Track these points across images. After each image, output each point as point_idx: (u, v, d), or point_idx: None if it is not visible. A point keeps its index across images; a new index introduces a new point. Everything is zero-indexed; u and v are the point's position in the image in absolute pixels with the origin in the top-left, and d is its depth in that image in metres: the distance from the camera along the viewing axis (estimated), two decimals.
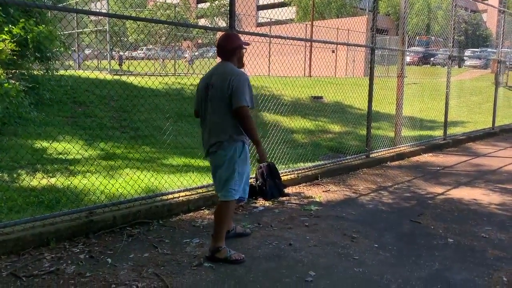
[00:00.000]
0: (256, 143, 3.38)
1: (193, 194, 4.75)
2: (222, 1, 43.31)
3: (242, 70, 3.55)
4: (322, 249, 3.72)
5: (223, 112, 3.35)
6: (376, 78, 7.18)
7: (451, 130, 9.94)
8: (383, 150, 7.68)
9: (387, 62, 20.79)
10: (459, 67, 26.90)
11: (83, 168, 5.49)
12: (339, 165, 6.59)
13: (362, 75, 22.17)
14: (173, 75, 12.67)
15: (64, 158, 5.83)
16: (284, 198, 5.17)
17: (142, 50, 24.05)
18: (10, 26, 6.46)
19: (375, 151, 7.48)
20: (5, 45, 6.16)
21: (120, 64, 16.34)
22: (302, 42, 22.50)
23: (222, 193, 3.47)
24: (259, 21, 40.22)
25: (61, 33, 8.85)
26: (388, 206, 4.99)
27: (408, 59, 11.04)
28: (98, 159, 6.02)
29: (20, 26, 6.48)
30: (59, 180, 4.91)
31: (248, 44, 3.65)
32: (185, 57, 20.59)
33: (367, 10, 36.91)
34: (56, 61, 8.39)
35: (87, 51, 16.08)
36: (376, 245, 3.82)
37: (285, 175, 5.73)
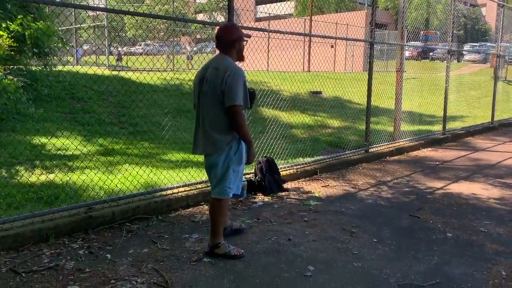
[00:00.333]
0: (248, 143, 3.31)
1: (192, 190, 4.75)
2: None
3: (238, 64, 3.39)
4: (321, 244, 3.72)
5: (216, 108, 3.24)
6: (375, 73, 7.17)
7: (450, 124, 9.94)
8: (382, 145, 7.68)
9: (386, 56, 20.78)
10: (458, 61, 26.87)
11: (82, 164, 5.48)
12: (338, 160, 6.59)
13: (361, 69, 22.12)
14: (171, 70, 12.63)
15: (62, 154, 5.82)
16: (283, 193, 5.17)
17: (141, 45, 23.97)
18: (7, 22, 6.42)
19: (374, 146, 7.48)
20: (3, 41, 6.13)
21: (118, 60, 16.28)
22: (301, 36, 22.47)
23: (216, 190, 3.39)
24: (257, 16, 40.08)
25: (59, 28, 8.81)
26: (387, 200, 5.00)
27: (407, 53, 11.03)
28: (97, 155, 6.01)
29: (18, 22, 6.44)
30: (57, 176, 4.90)
31: (249, 36, 3.48)
32: (184, 52, 20.54)
33: (366, 4, 36.78)
34: (55, 57, 8.34)
35: (85, 47, 16.03)
36: (375, 240, 3.82)
37: (284, 170, 5.73)
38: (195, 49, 23.21)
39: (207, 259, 3.38)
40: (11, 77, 6.00)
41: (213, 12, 42.92)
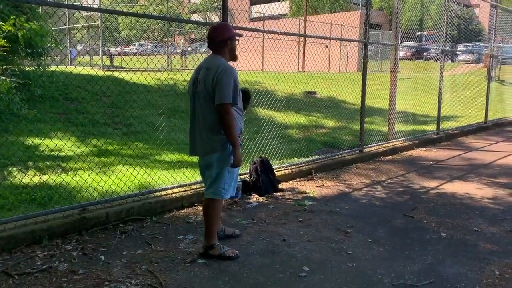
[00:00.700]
0: (233, 144, 3.20)
1: (186, 190, 4.74)
2: None
3: (231, 64, 3.36)
4: (316, 244, 3.72)
5: (210, 108, 3.22)
6: (369, 73, 7.18)
7: (444, 124, 9.99)
8: (377, 145, 7.71)
9: (380, 57, 20.83)
10: (452, 61, 27.00)
11: (76, 165, 5.45)
12: (333, 160, 6.60)
13: (356, 70, 22.19)
14: (165, 70, 12.60)
15: (56, 155, 5.78)
16: (278, 194, 5.17)
17: (135, 45, 23.89)
18: (0, 22, 6.37)
19: (369, 146, 7.50)
20: None
21: (111, 60, 16.23)
22: (295, 37, 22.49)
23: (210, 190, 3.38)
24: (252, 16, 40.07)
25: (52, 28, 8.76)
26: (381, 200, 5.01)
27: (401, 53, 11.06)
28: (90, 156, 5.99)
29: (10, 22, 6.40)
30: (51, 177, 4.87)
31: (240, 35, 3.47)
32: (178, 52, 20.50)
33: (360, 5, 36.89)
34: (48, 57, 8.29)
35: (79, 47, 15.95)
36: (370, 240, 3.83)
37: (279, 171, 5.73)
38: (189, 49, 23.16)
39: (202, 260, 3.37)
40: (3, 78, 5.95)
41: (208, 12, 42.87)
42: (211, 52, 3.40)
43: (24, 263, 3.26)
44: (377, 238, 3.88)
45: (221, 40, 3.33)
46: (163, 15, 16.74)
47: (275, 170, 5.47)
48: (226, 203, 4.72)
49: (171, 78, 9.89)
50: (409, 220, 4.37)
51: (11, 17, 6.30)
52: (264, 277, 3.12)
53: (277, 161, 6.16)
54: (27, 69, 7.83)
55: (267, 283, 3.04)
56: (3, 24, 6.35)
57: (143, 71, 7.68)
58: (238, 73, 3.33)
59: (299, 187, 5.53)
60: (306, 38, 22.03)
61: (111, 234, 3.84)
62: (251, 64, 6.67)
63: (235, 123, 3.21)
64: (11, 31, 6.25)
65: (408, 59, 19.34)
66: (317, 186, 5.56)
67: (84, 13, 14.90)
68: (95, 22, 13.64)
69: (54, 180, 4.72)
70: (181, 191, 4.69)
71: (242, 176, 5.25)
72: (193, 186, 4.86)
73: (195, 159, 6.14)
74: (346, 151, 7.06)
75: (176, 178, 4.98)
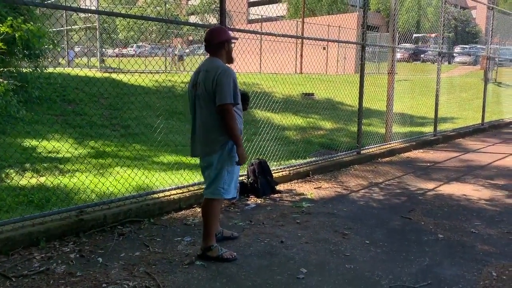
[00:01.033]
0: (236, 143, 3.29)
1: (184, 192, 4.73)
2: None
3: (229, 66, 3.44)
4: (314, 246, 3.73)
5: (210, 109, 3.28)
6: (367, 75, 7.20)
7: (441, 126, 10.02)
8: (374, 147, 7.72)
9: (378, 58, 20.89)
10: (449, 63, 27.07)
11: (73, 166, 5.44)
12: (330, 161, 6.61)
13: (353, 72, 22.25)
14: (163, 72, 12.60)
15: (53, 156, 5.77)
16: (275, 195, 5.17)
17: (133, 47, 23.87)
18: None
19: (366, 147, 7.51)
20: None
21: (100, 62, 16.13)
22: (293, 39, 22.51)
23: (209, 190, 3.41)
24: (250, 18, 40.12)
25: (50, 30, 8.74)
26: (379, 202, 5.02)
27: (398, 55, 11.09)
28: (88, 158, 5.98)
29: (8, 24, 6.38)
30: (48, 179, 4.86)
31: (236, 38, 3.57)
32: (175, 54, 20.50)
33: (357, 7, 36.99)
34: (48, 59, 8.29)
35: (76, 49, 15.92)
36: (367, 242, 3.83)
37: (277, 172, 5.74)
38: (187, 50, 23.15)
39: (200, 262, 3.36)
40: (0, 80, 5.94)
41: (205, 14, 42.90)
42: (208, 55, 3.48)
43: (22, 265, 3.25)
44: (375, 240, 3.89)
45: (218, 42, 3.41)
46: (161, 17, 16.74)
47: (272, 172, 5.47)
48: (224, 204, 4.72)
49: (169, 80, 9.89)
50: (406, 221, 4.38)
51: (8, 18, 6.29)
52: (262, 279, 3.13)
53: (275, 163, 6.16)
54: (24, 71, 7.82)
55: (265, 285, 3.04)
56: (1, 25, 6.34)
57: (141, 72, 7.68)
58: (236, 75, 3.37)
59: (296, 188, 5.53)
60: (304, 40, 22.06)
61: (109, 236, 3.84)
62: (249, 66, 6.68)
63: (237, 122, 3.28)
64: (9, 33, 6.23)
65: (406, 61, 19.37)
66: (314, 188, 5.57)
67: (82, 15, 14.89)
68: (93, 24, 13.63)
69: (52, 182, 4.72)
70: (179, 193, 4.69)
71: (240, 178, 5.25)
72: (191, 188, 4.86)
73: (192, 160, 6.14)
74: (344, 152, 7.07)
75: (174, 179, 4.98)
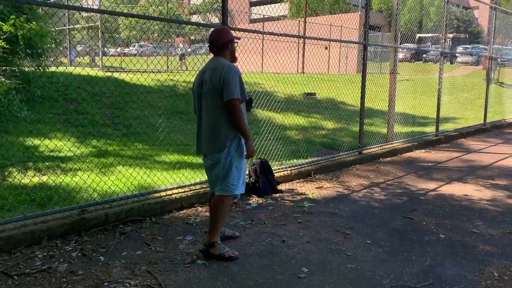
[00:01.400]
0: (245, 136, 3.39)
1: (186, 191, 4.74)
2: None
3: (235, 64, 3.53)
4: (315, 245, 3.73)
5: (217, 106, 3.35)
6: (368, 75, 7.20)
7: (443, 126, 10.00)
8: (376, 147, 7.72)
9: (380, 58, 20.86)
10: (451, 63, 27.02)
11: (75, 165, 5.45)
12: (332, 161, 6.61)
13: (355, 71, 22.22)
14: (165, 71, 12.60)
15: (55, 155, 5.78)
16: (277, 195, 5.18)
17: (135, 46, 23.88)
18: (0, 23, 6.38)
19: (368, 147, 7.51)
20: None
21: (93, 61, 16.11)
22: (295, 38, 22.50)
23: (220, 187, 3.46)
24: (252, 17, 40.11)
25: (52, 29, 8.76)
26: (380, 202, 5.02)
27: (400, 55, 11.07)
28: (90, 157, 5.99)
29: (10, 23, 6.40)
30: (50, 178, 4.87)
31: (238, 38, 3.66)
32: (177, 53, 20.52)
33: (360, 6, 36.94)
34: (49, 58, 8.30)
35: (78, 48, 15.92)
36: (369, 241, 3.83)
37: (278, 172, 5.74)
38: (189, 50, 23.16)
39: (201, 261, 3.37)
40: (3, 79, 5.96)
41: (208, 14, 42.90)
42: (212, 55, 3.56)
43: (24, 263, 3.26)
44: (376, 239, 3.89)
45: (223, 42, 3.50)
46: (163, 17, 16.76)
47: (274, 172, 5.48)
48: None
49: (171, 79, 9.89)
50: (408, 221, 4.38)
51: (11, 17, 6.30)
52: (263, 278, 3.13)
53: (276, 163, 6.17)
54: (27, 70, 7.84)
55: (266, 284, 3.04)
56: (3, 24, 6.35)
57: (143, 72, 7.68)
58: (240, 72, 3.45)
59: (298, 188, 5.53)
60: (306, 40, 22.05)
61: (111, 235, 3.85)
62: (251, 65, 6.68)
63: (244, 117, 3.36)
64: (11, 32, 6.25)
65: (408, 61, 19.34)
66: (316, 188, 5.57)
67: (84, 14, 14.91)
68: (95, 23, 13.64)
69: (54, 181, 4.73)
70: (181, 192, 4.70)
71: None
72: (193, 187, 4.87)
73: (194, 160, 6.15)
74: (345, 152, 7.07)
75: (176, 179, 4.99)
